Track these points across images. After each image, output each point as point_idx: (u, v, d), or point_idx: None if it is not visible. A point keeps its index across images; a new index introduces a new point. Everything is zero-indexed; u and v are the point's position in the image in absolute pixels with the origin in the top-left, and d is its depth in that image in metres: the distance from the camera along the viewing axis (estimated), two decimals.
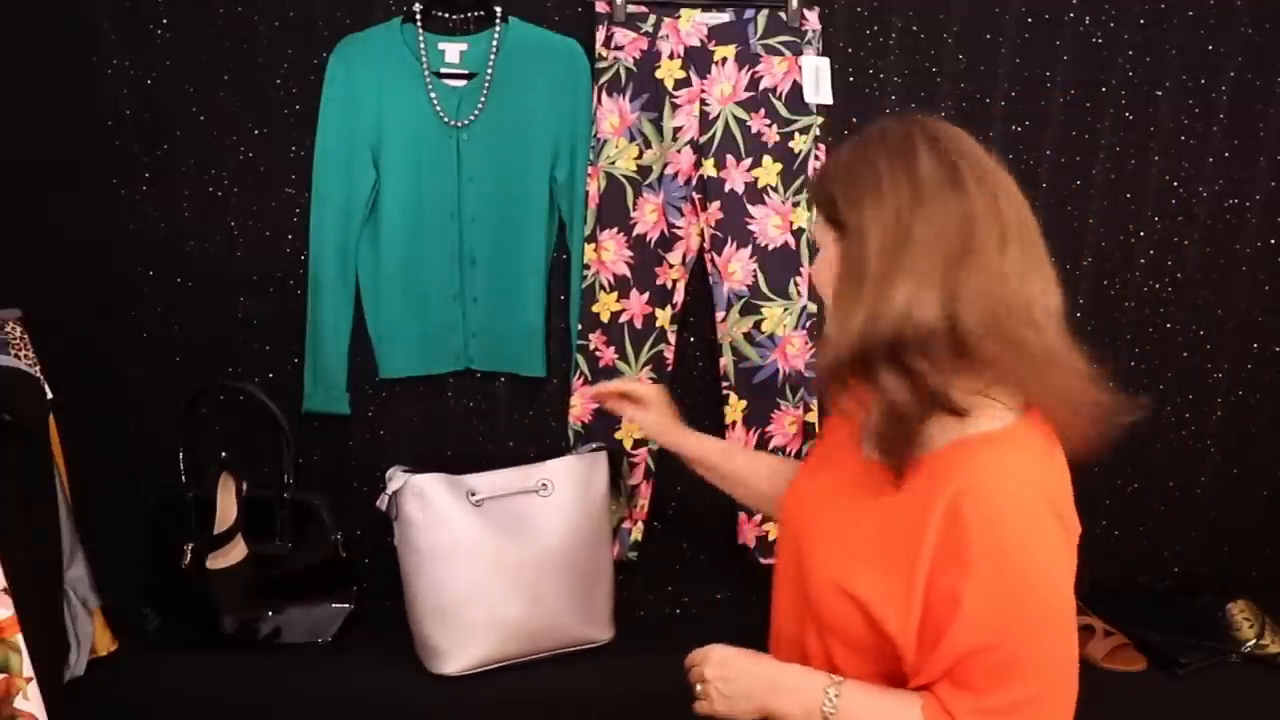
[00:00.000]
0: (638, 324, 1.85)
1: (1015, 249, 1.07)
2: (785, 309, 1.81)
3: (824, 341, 1.10)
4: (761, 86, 1.77)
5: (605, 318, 1.84)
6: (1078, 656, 1.08)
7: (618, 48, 1.76)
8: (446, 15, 1.79)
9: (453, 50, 1.78)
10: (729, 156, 1.77)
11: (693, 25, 1.76)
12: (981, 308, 1.04)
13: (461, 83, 1.79)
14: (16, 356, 1.55)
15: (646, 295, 1.83)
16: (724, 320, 1.83)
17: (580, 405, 1.88)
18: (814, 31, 1.77)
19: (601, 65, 1.77)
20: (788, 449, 1.86)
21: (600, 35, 1.77)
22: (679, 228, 1.82)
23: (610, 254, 1.81)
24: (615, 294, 1.83)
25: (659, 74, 1.76)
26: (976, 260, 1.04)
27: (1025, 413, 1.10)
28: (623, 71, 1.76)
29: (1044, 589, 1.04)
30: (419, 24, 1.77)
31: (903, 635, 1.08)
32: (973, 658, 1.04)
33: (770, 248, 1.79)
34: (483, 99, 1.78)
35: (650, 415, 1.54)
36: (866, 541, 1.12)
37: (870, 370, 1.07)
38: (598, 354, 1.85)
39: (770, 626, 1.30)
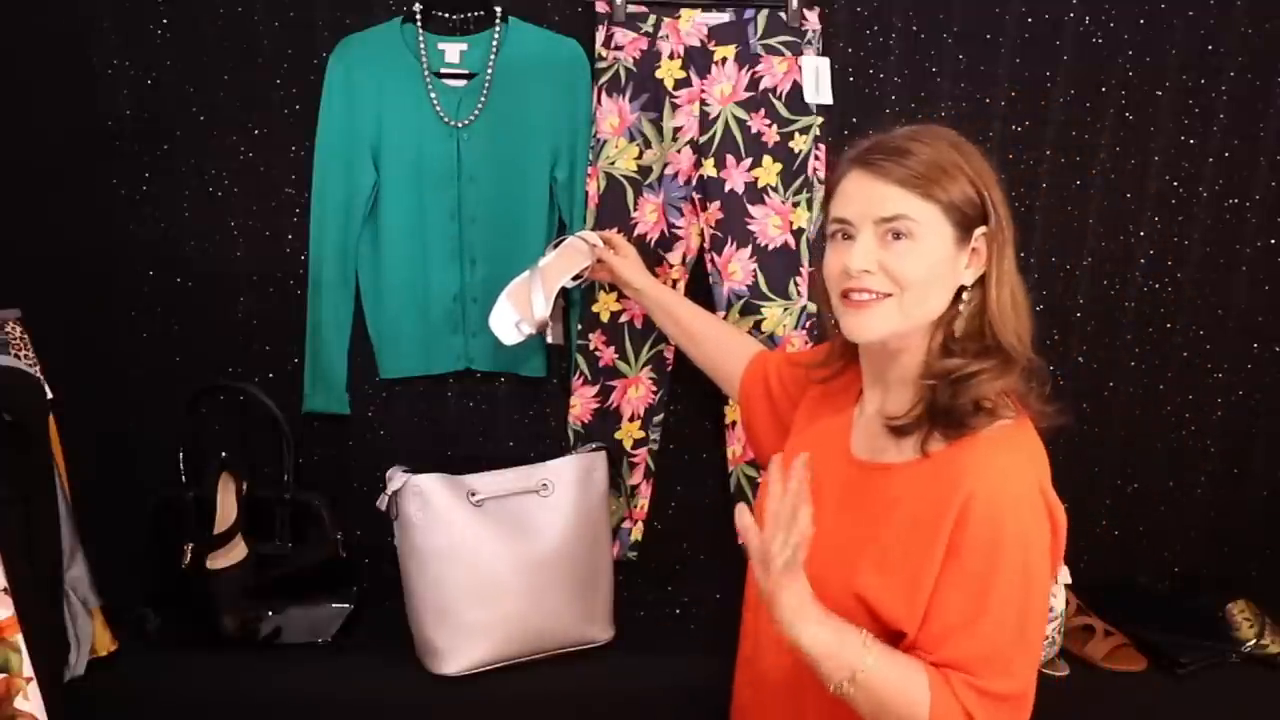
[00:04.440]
0: (638, 324, 1.85)
1: None
2: (785, 309, 1.81)
3: (1012, 355, 1.16)
4: (761, 86, 1.77)
5: (605, 318, 1.84)
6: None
7: (618, 48, 1.76)
8: (446, 15, 1.79)
9: (453, 50, 1.78)
10: (729, 156, 1.77)
11: (693, 25, 1.76)
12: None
13: (461, 83, 1.79)
14: (16, 356, 1.55)
15: None
16: (724, 320, 1.83)
17: (580, 405, 1.88)
18: (814, 31, 1.77)
19: (601, 65, 1.77)
20: None
21: (600, 35, 1.77)
22: (679, 228, 1.82)
23: None
24: (615, 294, 1.83)
25: (659, 74, 1.76)
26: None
27: (1019, 412, 1.14)
28: (623, 71, 1.76)
29: (1032, 588, 1.11)
30: (419, 24, 1.77)
31: (910, 625, 1.12)
32: (968, 643, 1.09)
33: (770, 248, 1.79)
34: (483, 99, 1.78)
35: (626, 261, 1.71)
36: (871, 544, 1.16)
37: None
38: (598, 354, 1.85)
39: (744, 614, 1.32)
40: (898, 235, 1.14)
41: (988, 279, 1.16)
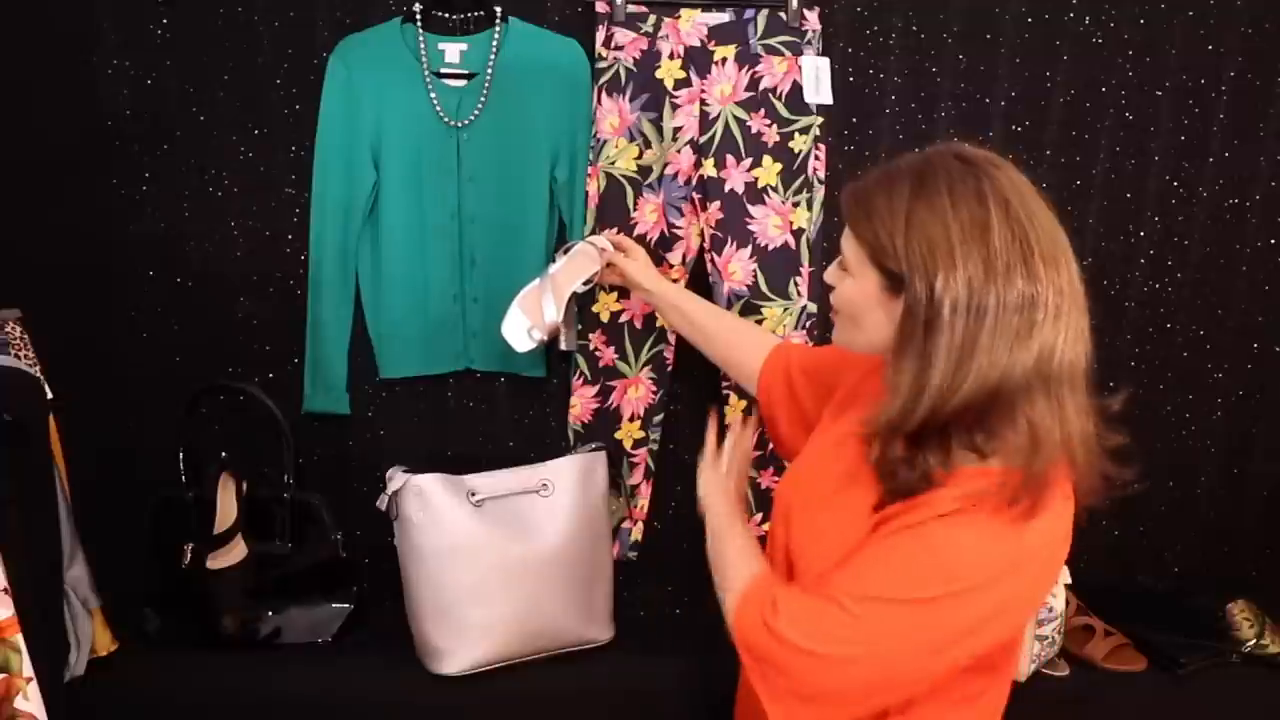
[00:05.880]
0: (638, 324, 1.85)
1: (1067, 318, 1.06)
2: (785, 309, 1.81)
3: (890, 401, 1.07)
4: (761, 86, 1.77)
5: (605, 318, 1.84)
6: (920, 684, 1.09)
7: (618, 48, 1.76)
8: (446, 15, 1.79)
9: (453, 50, 1.78)
10: (729, 156, 1.77)
11: (693, 25, 1.76)
12: (1027, 380, 1.05)
13: (461, 83, 1.79)
14: (16, 356, 1.55)
15: None
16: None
17: (580, 405, 1.88)
18: (814, 31, 1.77)
19: (601, 65, 1.77)
20: None
21: (600, 35, 1.77)
22: (679, 228, 1.82)
23: None
24: (615, 294, 1.83)
25: (659, 74, 1.76)
26: (1035, 336, 1.04)
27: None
28: (623, 71, 1.76)
29: (930, 628, 1.06)
30: (419, 24, 1.77)
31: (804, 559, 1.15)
32: (829, 604, 1.07)
33: (770, 248, 1.79)
34: (483, 99, 1.78)
35: (636, 263, 1.70)
36: (851, 543, 1.13)
37: (919, 436, 1.07)
38: (598, 354, 1.85)
39: None
40: (842, 263, 1.17)
41: (898, 351, 1.07)
